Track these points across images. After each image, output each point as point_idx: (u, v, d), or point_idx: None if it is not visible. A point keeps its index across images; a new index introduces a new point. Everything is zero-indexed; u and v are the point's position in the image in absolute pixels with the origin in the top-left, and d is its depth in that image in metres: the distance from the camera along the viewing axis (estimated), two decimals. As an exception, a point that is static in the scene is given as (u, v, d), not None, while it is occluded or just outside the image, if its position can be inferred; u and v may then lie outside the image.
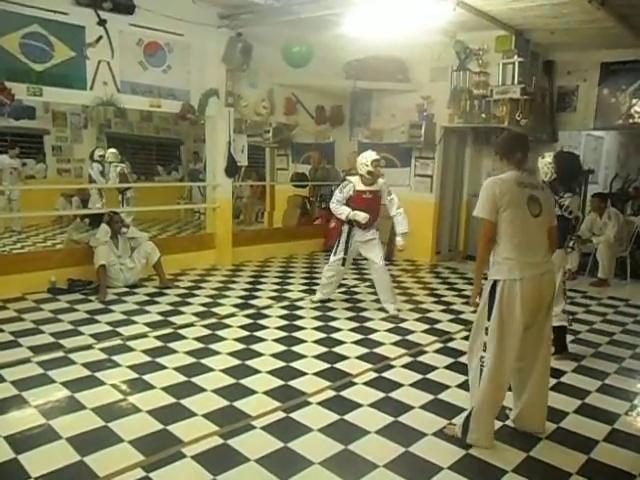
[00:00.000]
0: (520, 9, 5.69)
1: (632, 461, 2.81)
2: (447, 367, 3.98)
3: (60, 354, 3.95)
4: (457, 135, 8.01)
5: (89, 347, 4.12)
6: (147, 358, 3.94)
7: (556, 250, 3.45)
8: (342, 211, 5.20)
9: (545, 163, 4.19)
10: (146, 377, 3.60)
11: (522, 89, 6.55)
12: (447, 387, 3.61)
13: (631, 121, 7.02)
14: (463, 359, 3.82)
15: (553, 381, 3.75)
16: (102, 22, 5.67)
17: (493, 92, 6.77)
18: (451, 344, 4.49)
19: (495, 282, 2.79)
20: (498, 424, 3.09)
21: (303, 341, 4.42)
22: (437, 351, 4.33)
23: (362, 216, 5.12)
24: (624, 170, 11.22)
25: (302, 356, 4.09)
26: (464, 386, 3.38)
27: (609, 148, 10.99)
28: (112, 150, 8.99)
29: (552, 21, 5.99)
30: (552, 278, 2.91)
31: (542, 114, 7.27)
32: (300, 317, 5.07)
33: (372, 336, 4.62)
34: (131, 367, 3.76)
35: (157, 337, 4.39)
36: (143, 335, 4.43)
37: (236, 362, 3.92)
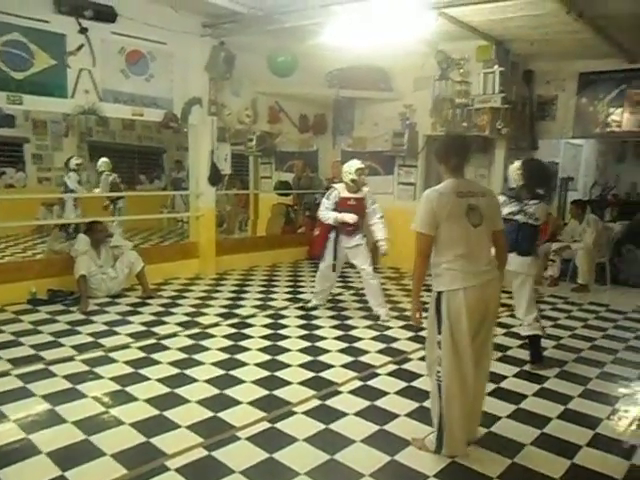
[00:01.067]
0: (501, 20, 5.79)
1: (615, 465, 2.84)
2: (432, 374, 3.98)
3: (40, 366, 3.88)
4: (439, 143, 8.08)
5: (70, 359, 4.05)
6: (130, 369, 3.89)
7: (510, 254, 3.29)
8: (329, 216, 5.28)
9: (514, 169, 4.24)
10: (129, 389, 3.55)
11: (503, 98, 6.65)
12: (432, 394, 3.62)
13: (608, 130, 7.15)
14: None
15: (536, 387, 3.80)
16: (83, 30, 5.62)
17: (474, 101, 6.86)
18: (435, 351, 4.49)
19: (439, 294, 2.73)
20: (482, 431, 3.10)
21: (288, 350, 4.40)
22: (422, 358, 4.31)
23: (349, 216, 5.19)
24: (603, 177, 11.44)
25: (287, 365, 4.07)
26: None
27: (588, 156, 11.18)
28: (104, 159, 8.90)
29: (532, 32, 6.10)
30: (497, 286, 2.83)
31: (522, 123, 7.38)
32: (285, 326, 5.05)
33: (357, 344, 4.62)
34: (113, 379, 3.71)
35: (140, 348, 4.34)
36: (125, 346, 4.37)
37: (220, 372, 3.89)
